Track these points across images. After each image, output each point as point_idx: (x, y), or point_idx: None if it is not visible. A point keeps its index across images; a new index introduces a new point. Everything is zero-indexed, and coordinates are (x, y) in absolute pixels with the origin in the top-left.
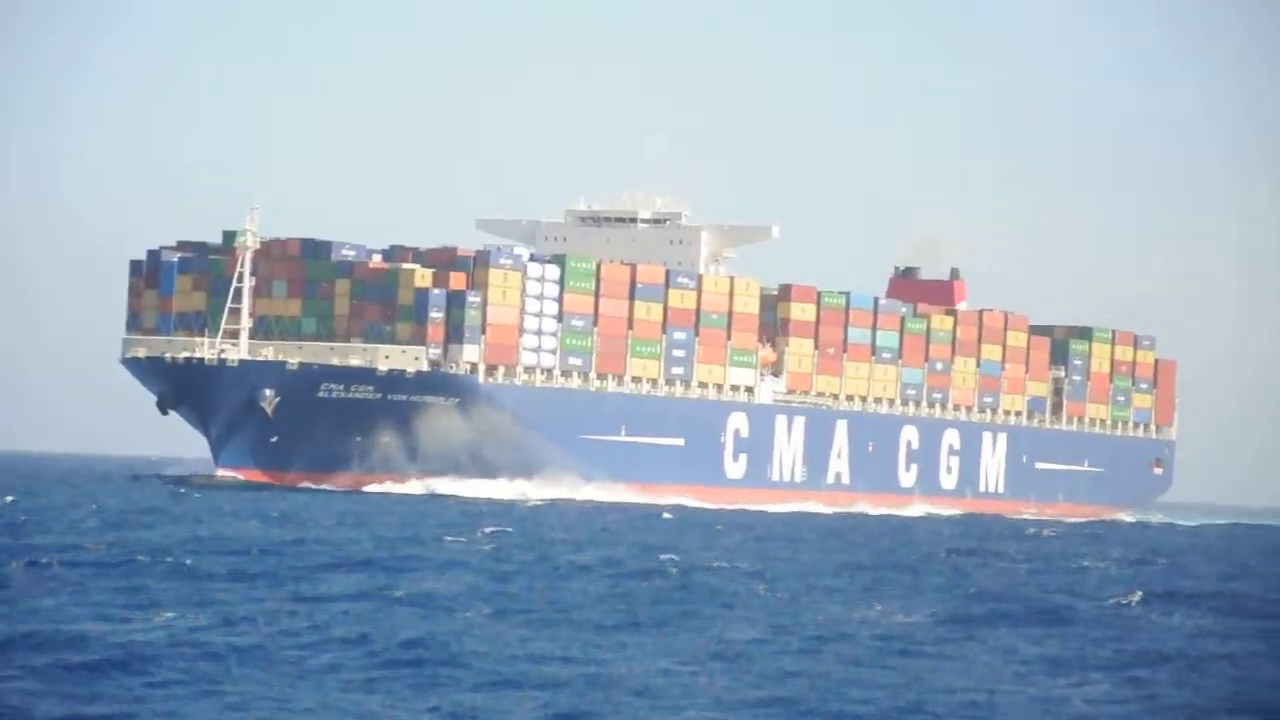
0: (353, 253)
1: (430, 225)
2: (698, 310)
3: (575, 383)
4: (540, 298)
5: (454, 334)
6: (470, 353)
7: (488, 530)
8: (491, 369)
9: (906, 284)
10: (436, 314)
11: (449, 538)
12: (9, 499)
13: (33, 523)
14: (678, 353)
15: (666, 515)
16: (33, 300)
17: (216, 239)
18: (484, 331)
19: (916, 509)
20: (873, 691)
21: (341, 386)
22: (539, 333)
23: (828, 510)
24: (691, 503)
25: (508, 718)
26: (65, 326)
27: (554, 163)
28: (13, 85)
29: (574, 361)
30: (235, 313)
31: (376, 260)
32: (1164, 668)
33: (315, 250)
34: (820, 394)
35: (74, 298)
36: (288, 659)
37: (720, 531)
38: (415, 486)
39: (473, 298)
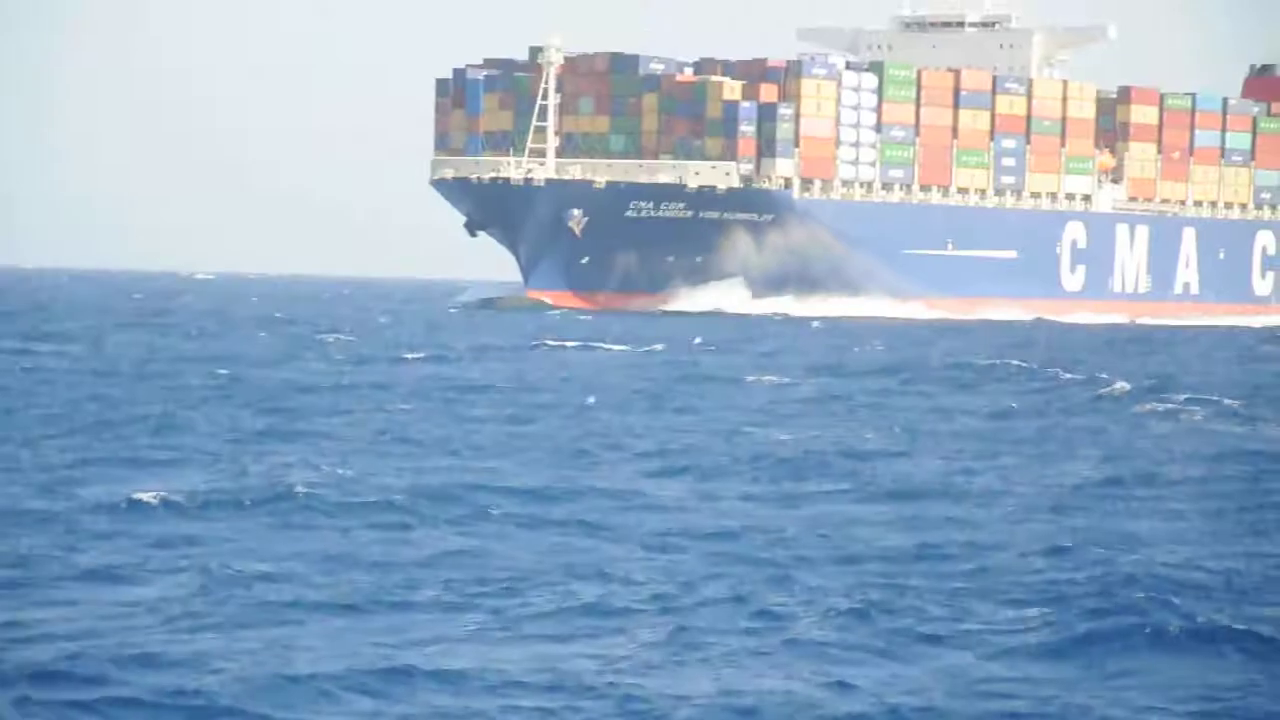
0: (661, 66)
1: (744, 37)
2: (1028, 116)
3: (896, 195)
4: (857, 108)
5: (766, 148)
6: (784, 167)
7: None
8: (807, 183)
9: (1264, 82)
10: (747, 127)
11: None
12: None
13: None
14: (1007, 161)
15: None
16: (343, 124)
17: (523, 56)
18: (797, 145)
19: None
20: None
21: (650, 204)
22: (856, 144)
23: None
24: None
25: None
26: (375, 149)
27: None
28: None
29: (894, 174)
30: (541, 131)
31: (686, 74)
32: None
33: (622, 65)
34: (1165, 200)
35: (382, 120)
36: None
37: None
38: (739, 305)
39: (784, 110)
